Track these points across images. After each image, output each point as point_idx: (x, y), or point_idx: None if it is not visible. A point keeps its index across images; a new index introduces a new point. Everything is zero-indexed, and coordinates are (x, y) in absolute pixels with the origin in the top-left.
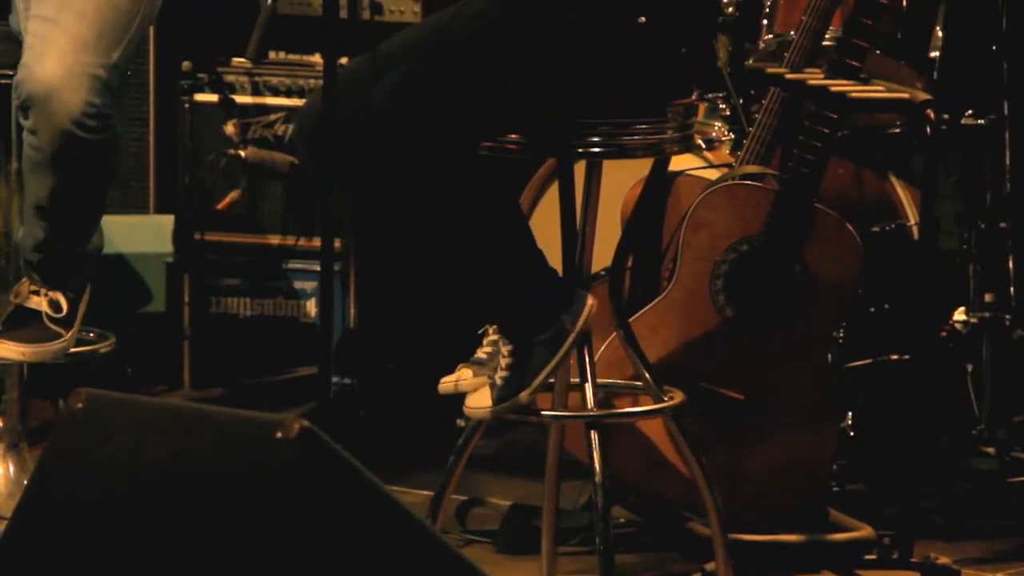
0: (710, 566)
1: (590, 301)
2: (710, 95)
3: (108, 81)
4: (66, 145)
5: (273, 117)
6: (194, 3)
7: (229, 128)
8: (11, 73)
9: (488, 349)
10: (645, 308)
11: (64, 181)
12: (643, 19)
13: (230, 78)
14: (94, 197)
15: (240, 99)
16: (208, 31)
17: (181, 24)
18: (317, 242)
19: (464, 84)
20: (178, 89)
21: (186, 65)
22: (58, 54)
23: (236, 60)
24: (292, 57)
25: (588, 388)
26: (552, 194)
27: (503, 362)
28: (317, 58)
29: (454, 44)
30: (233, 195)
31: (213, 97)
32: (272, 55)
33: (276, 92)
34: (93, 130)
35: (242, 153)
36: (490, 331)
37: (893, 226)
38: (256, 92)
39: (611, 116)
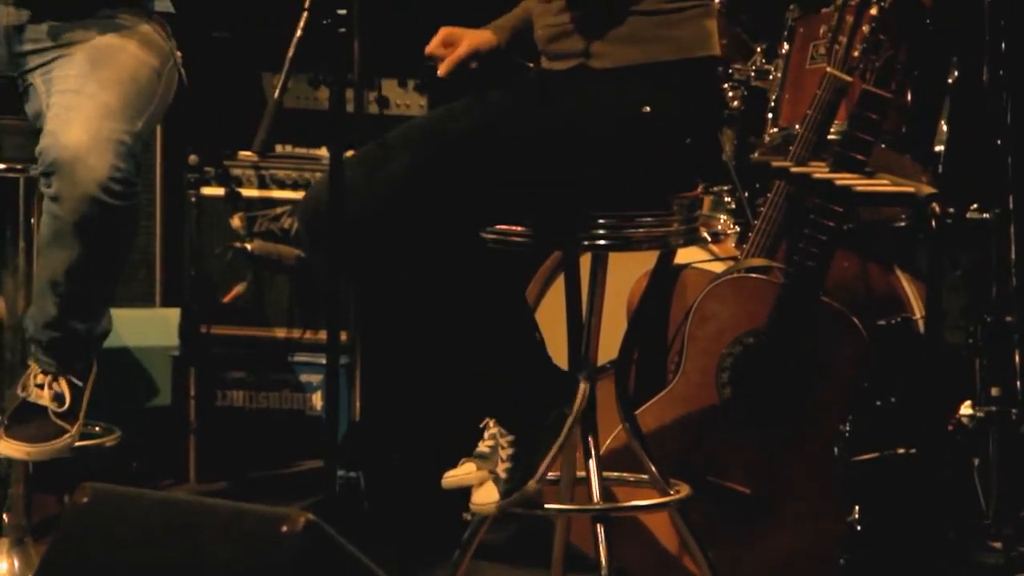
0: None
1: (583, 385)
2: (715, 188)
3: (133, 147)
4: (90, 211)
5: (279, 210)
6: (201, 97)
7: (235, 221)
8: (19, 166)
9: (490, 443)
10: (651, 401)
11: (83, 251)
12: (647, 109)
13: (237, 171)
14: (109, 270)
15: (247, 192)
16: (215, 124)
17: (188, 117)
18: (323, 335)
19: (468, 176)
20: (185, 182)
21: (193, 158)
22: (84, 120)
23: (243, 153)
24: (299, 150)
25: (594, 481)
26: (558, 286)
27: (504, 454)
28: (323, 151)
29: (459, 136)
30: (239, 288)
31: (220, 190)
32: (279, 148)
33: (282, 185)
34: (119, 195)
35: (248, 246)
36: (491, 424)
37: (899, 320)
38: (263, 185)
39: (617, 208)
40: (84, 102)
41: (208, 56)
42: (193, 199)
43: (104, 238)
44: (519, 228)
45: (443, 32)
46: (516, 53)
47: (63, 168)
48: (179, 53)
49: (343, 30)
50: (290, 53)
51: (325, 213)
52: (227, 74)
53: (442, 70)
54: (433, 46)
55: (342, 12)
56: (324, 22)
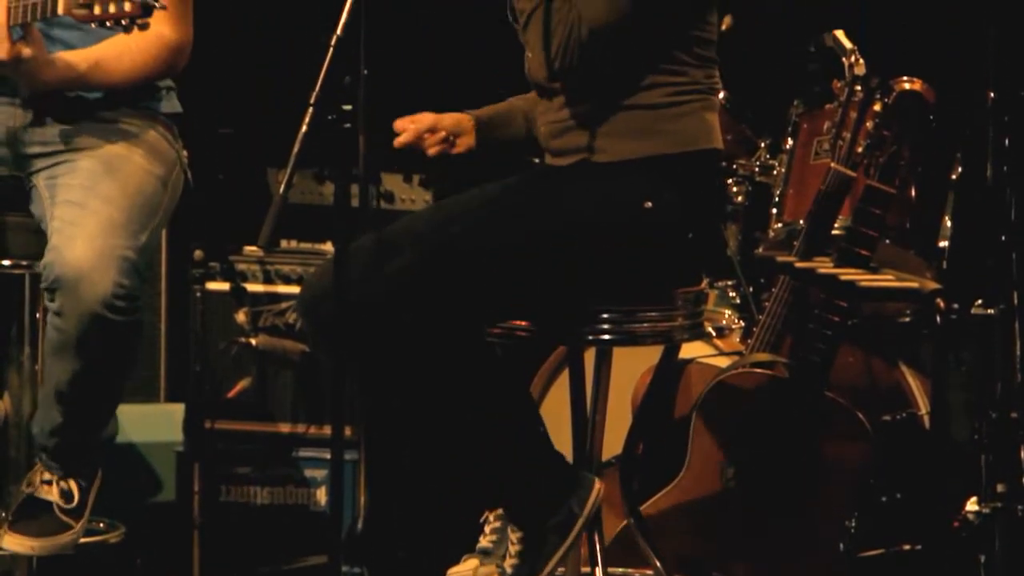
0: None
1: (597, 485)
2: (720, 283)
3: (137, 263)
4: (94, 328)
5: (284, 305)
6: (206, 192)
7: (240, 316)
8: (24, 263)
9: (492, 537)
10: (656, 495)
11: (87, 365)
12: (649, 204)
13: (242, 266)
14: (114, 382)
15: (251, 287)
16: (220, 220)
17: (193, 213)
18: (327, 430)
19: (471, 272)
20: (190, 277)
21: (198, 254)
22: (88, 237)
23: (248, 248)
24: (304, 245)
25: None
26: (563, 381)
27: (513, 549)
28: (328, 246)
29: (462, 232)
30: (243, 383)
31: (224, 285)
32: (284, 243)
33: (287, 280)
34: (122, 312)
35: (253, 341)
36: (491, 518)
37: (904, 415)
38: (267, 280)
39: (621, 303)
40: (88, 217)
41: (213, 152)
42: (198, 294)
43: (108, 353)
44: (523, 323)
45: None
46: (490, 139)
47: (66, 285)
48: (185, 152)
49: (348, 125)
50: (295, 148)
51: (324, 304)
52: (232, 169)
53: (399, 141)
54: (402, 122)
55: (347, 108)
56: (329, 118)
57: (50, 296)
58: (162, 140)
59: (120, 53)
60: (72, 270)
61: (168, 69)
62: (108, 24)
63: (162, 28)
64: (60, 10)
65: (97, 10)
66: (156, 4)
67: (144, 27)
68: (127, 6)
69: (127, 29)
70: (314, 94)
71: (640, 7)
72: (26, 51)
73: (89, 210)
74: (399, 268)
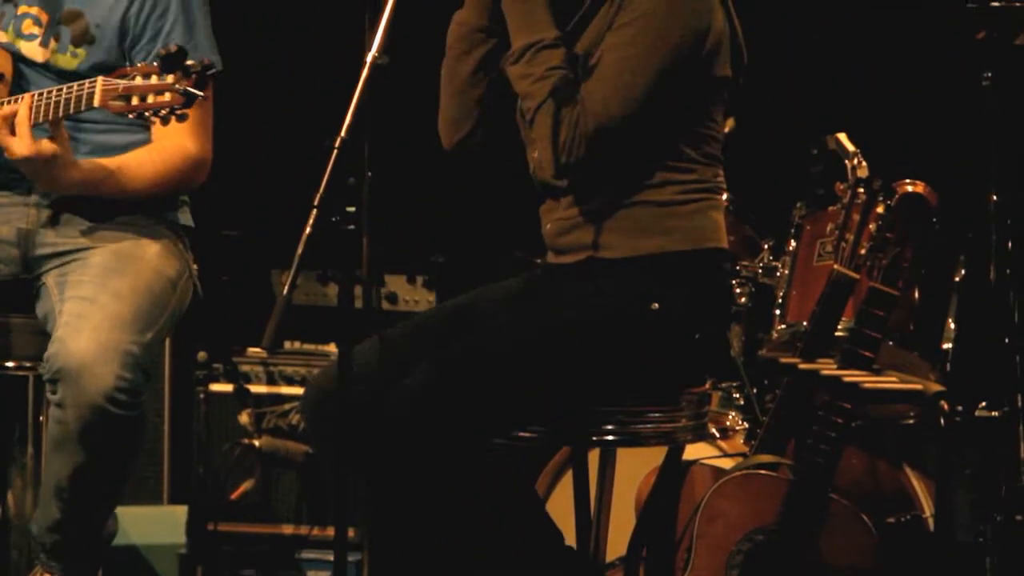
0: None
1: None
2: (724, 384)
3: (141, 359)
4: (95, 420)
5: (288, 407)
6: (210, 293)
7: (244, 418)
8: (28, 364)
9: None
10: None
11: (87, 459)
12: (656, 306)
13: (245, 368)
14: (114, 478)
15: (255, 389)
16: (224, 321)
17: (197, 314)
18: (331, 532)
19: (476, 378)
20: (193, 378)
21: (202, 355)
22: (93, 329)
23: (251, 350)
24: (307, 347)
25: None
26: (568, 480)
27: None
28: (332, 348)
29: (466, 338)
30: (247, 485)
31: (228, 387)
32: (287, 345)
33: (291, 382)
34: (123, 405)
35: (256, 443)
36: None
37: (909, 517)
38: (271, 382)
39: (625, 404)
40: (95, 311)
41: (217, 253)
42: (202, 395)
43: (108, 447)
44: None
45: None
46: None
47: (69, 376)
48: (195, 266)
49: (352, 227)
50: (299, 250)
51: (327, 406)
52: (236, 271)
53: None
54: None
55: (350, 209)
56: (333, 219)
57: (52, 388)
58: (173, 248)
59: (142, 162)
60: (75, 361)
61: (188, 182)
62: (147, 114)
63: (184, 141)
64: (96, 102)
65: (135, 102)
66: (199, 94)
67: (183, 118)
68: (167, 96)
69: (165, 120)
70: (318, 196)
71: (648, 104)
72: (49, 149)
73: (98, 304)
74: (402, 374)
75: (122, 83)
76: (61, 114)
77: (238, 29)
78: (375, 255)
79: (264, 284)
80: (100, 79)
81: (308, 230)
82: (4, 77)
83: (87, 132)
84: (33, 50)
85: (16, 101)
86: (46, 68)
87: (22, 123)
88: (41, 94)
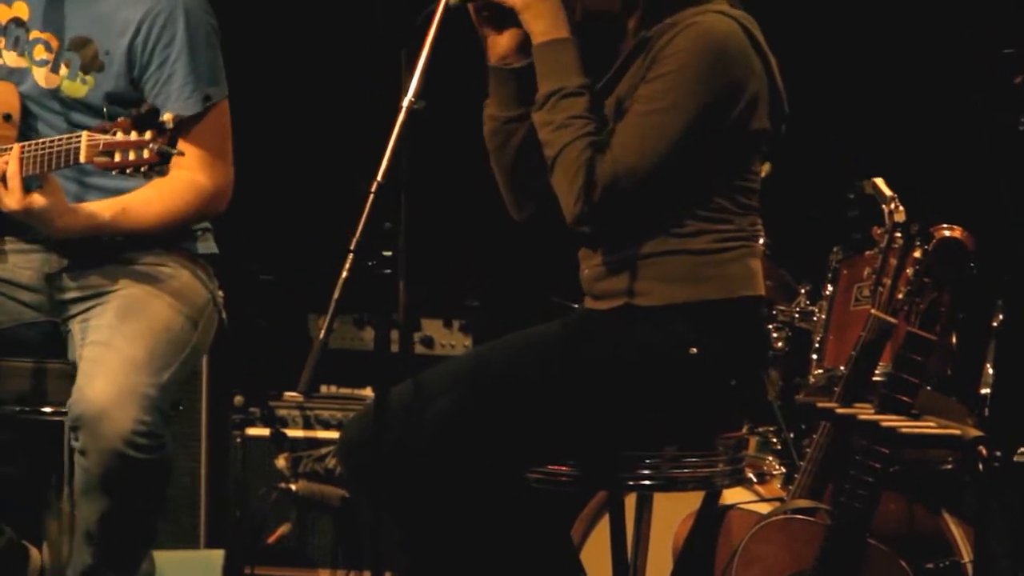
0: None
1: None
2: (761, 428)
3: (158, 400)
4: (116, 465)
5: (324, 451)
6: (247, 338)
7: (280, 462)
8: (63, 410)
9: None
10: None
11: (114, 503)
12: (694, 350)
13: (282, 412)
14: (144, 521)
15: (291, 433)
16: (260, 365)
17: (233, 358)
18: None
19: (511, 417)
20: (230, 423)
21: (238, 399)
22: (109, 374)
23: (288, 394)
24: (343, 391)
25: None
26: (604, 526)
27: None
28: (368, 392)
29: (504, 377)
30: (283, 529)
31: (265, 431)
32: (323, 389)
33: (327, 426)
34: (144, 449)
35: (293, 487)
36: None
37: (947, 563)
38: (307, 426)
39: (662, 448)
40: (111, 355)
41: (254, 298)
42: (238, 440)
43: (133, 491)
44: (564, 468)
45: None
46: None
47: (88, 423)
48: (221, 293)
49: (388, 271)
50: (335, 294)
51: (363, 449)
52: (273, 315)
53: None
54: None
55: (387, 254)
56: (369, 264)
57: (75, 435)
58: (194, 280)
59: (149, 200)
60: (93, 408)
61: (202, 214)
62: (128, 171)
63: (195, 174)
64: (82, 158)
65: (117, 158)
66: (173, 151)
67: (163, 173)
68: (145, 154)
69: (147, 176)
70: (354, 240)
71: (673, 157)
72: (40, 201)
73: (112, 348)
74: (439, 414)
75: (103, 139)
76: (49, 168)
77: (275, 73)
78: (411, 299)
79: (300, 328)
80: (85, 134)
81: (344, 274)
82: (12, 117)
83: (96, 176)
84: (45, 76)
85: (7, 152)
86: (55, 95)
87: (13, 177)
88: (30, 145)
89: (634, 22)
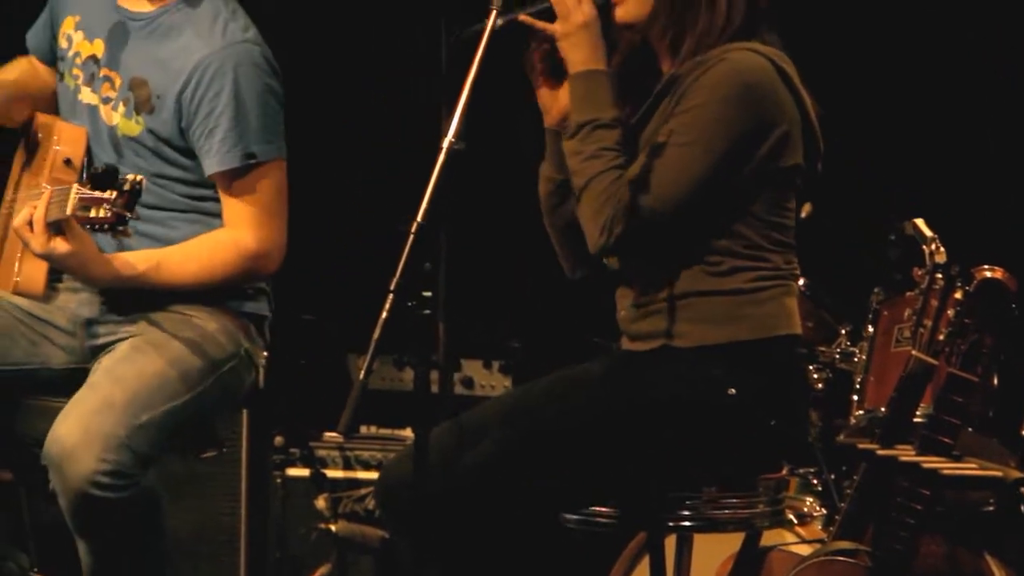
0: None
1: None
2: (801, 470)
3: (128, 440)
4: (84, 506)
5: (364, 491)
6: (286, 378)
7: (320, 502)
8: None
9: None
10: None
11: (93, 544)
12: (733, 391)
13: (322, 452)
14: (137, 562)
15: (331, 473)
16: (300, 405)
17: (273, 399)
18: None
19: (551, 459)
20: (270, 464)
21: (278, 440)
22: (79, 415)
23: (328, 434)
24: (383, 431)
25: None
26: (644, 567)
27: None
28: (408, 433)
29: (543, 419)
30: (323, 570)
31: (305, 471)
32: (364, 429)
33: (367, 466)
34: (110, 488)
35: (333, 527)
36: None
37: None
38: (347, 466)
39: (701, 489)
40: (90, 395)
41: (294, 338)
42: (278, 480)
43: (109, 533)
44: (603, 509)
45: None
46: None
47: (54, 463)
48: (264, 354)
49: (428, 312)
50: (375, 335)
51: (403, 491)
52: (313, 355)
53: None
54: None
55: (427, 294)
56: (409, 304)
57: (49, 477)
58: (222, 334)
59: (187, 257)
60: (58, 447)
61: (245, 275)
62: (96, 228)
63: (240, 234)
64: (68, 211)
65: (92, 213)
66: (128, 215)
67: (125, 234)
68: (103, 212)
69: (113, 234)
70: (394, 280)
71: (698, 192)
72: (62, 247)
73: (94, 389)
74: (479, 456)
75: (85, 191)
76: (57, 216)
77: (316, 112)
78: (451, 340)
79: (340, 369)
80: (75, 186)
81: (384, 315)
82: (72, 162)
83: (143, 223)
84: (109, 114)
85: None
86: (113, 133)
87: (38, 221)
88: (54, 192)
89: (666, 61)
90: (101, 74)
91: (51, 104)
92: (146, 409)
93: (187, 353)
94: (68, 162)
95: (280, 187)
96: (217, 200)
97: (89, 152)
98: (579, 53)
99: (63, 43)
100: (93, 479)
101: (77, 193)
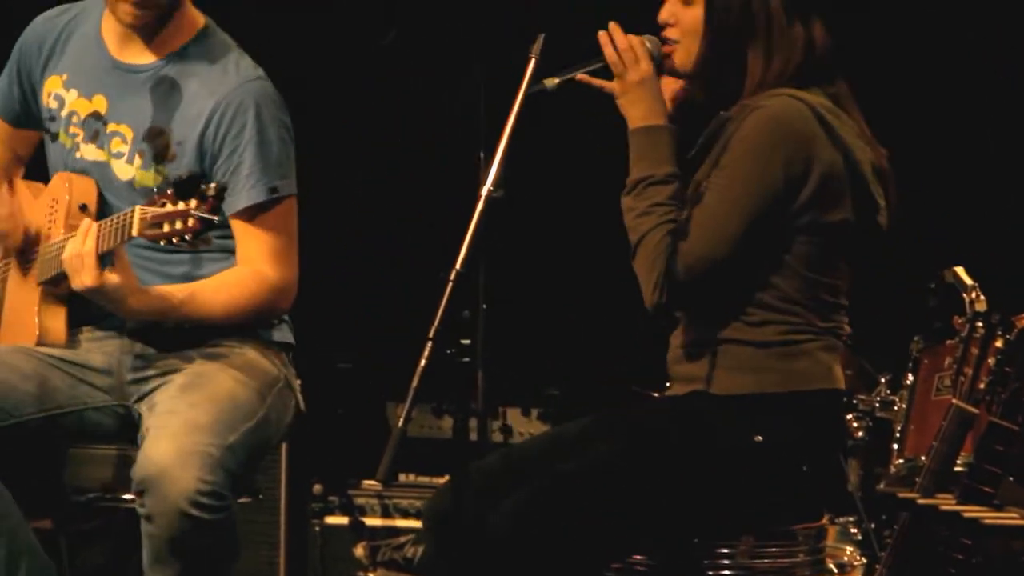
0: None
1: None
2: (841, 519)
3: (223, 460)
4: (182, 527)
5: (403, 539)
6: (325, 426)
7: (359, 551)
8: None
9: None
10: None
11: (182, 570)
12: (759, 438)
13: (360, 500)
14: None
15: (370, 521)
16: (339, 453)
17: (312, 447)
18: None
19: (587, 507)
20: (309, 512)
21: (317, 488)
22: (171, 436)
23: (366, 482)
24: (422, 479)
25: None
26: None
27: None
28: (446, 480)
29: (579, 468)
30: None
31: (343, 519)
32: (402, 477)
33: (406, 514)
34: (208, 509)
35: None
36: None
37: None
38: (386, 514)
39: (740, 538)
40: (172, 420)
41: (332, 386)
42: (317, 528)
43: (200, 555)
44: (639, 557)
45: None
46: None
47: (151, 485)
48: (298, 381)
49: (466, 360)
50: (414, 383)
51: (446, 528)
52: (351, 403)
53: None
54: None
55: (465, 342)
56: (447, 352)
57: (140, 502)
58: (264, 359)
59: (216, 289)
60: (156, 468)
61: (268, 308)
62: (174, 241)
63: (263, 267)
64: (134, 231)
65: (166, 228)
66: (215, 218)
67: (207, 242)
68: (189, 222)
69: (193, 247)
70: (433, 328)
71: (739, 244)
72: (113, 278)
73: (175, 414)
74: (515, 504)
75: (151, 211)
76: (111, 245)
77: (357, 161)
78: (490, 388)
79: (379, 416)
80: (137, 208)
81: (423, 363)
82: (88, 208)
83: (167, 265)
84: (121, 168)
85: (75, 233)
86: (131, 186)
87: (89, 255)
88: (102, 224)
89: (717, 107)
90: (108, 130)
91: (18, 166)
92: (230, 430)
93: (242, 378)
94: (84, 207)
95: (293, 223)
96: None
97: (101, 199)
98: (637, 109)
99: (51, 103)
100: (193, 498)
101: (141, 214)
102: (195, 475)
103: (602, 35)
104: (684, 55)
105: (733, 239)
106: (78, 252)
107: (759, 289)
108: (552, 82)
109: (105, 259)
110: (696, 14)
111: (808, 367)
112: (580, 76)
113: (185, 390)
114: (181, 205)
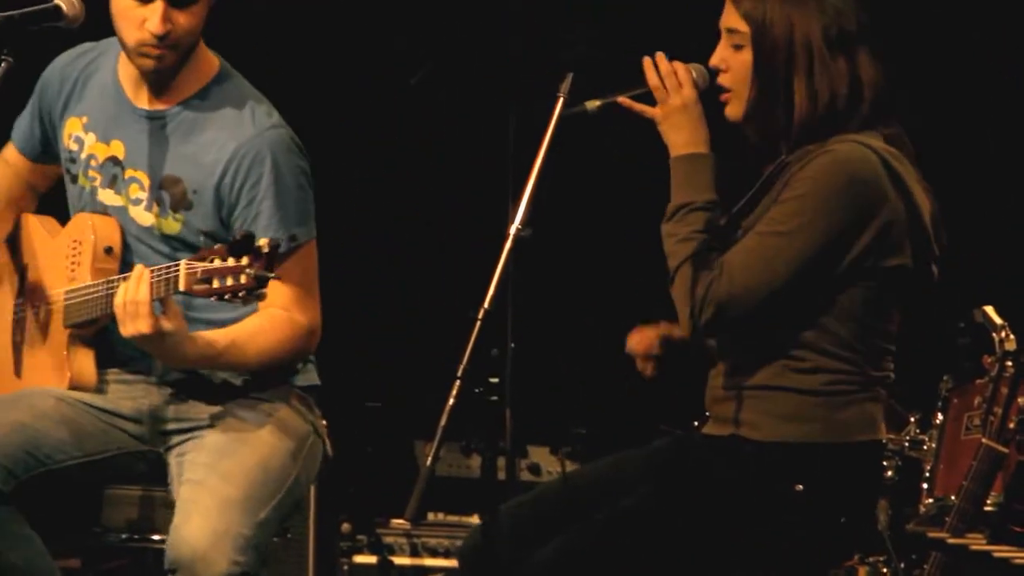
0: None
1: None
2: (871, 558)
3: (254, 540)
4: None
5: None
6: (353, 465)
7: None
8: (165, 537)
9: None
10: None
11: None
12: (800, 487)
13: (389, 539)
14: None
15: (399, 560)
16: (367, 492)
17: (340, 485)
18: None
19: (626, 555)
20: (337, 551)
21: (345, 527)
22: (203, 515)
23: (395, 521)
24: (451, 518)
25: None
26: None
27: None
28: (475, 519)
29: (617, 514)
30: None
31: (372, 558)
32: (431, 516)
33: (435, 553)
34: None
35: None
36: None
37: None
38: (415, 553)
39: None
40: (205, 496)
41: (360, 425)
42: (345, 567)
43: None
44: None
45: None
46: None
47: (184, 565)
48: (324, 422)
49: (495, 398)
50: (442, 421)
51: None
52: (379, 442)
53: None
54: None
55: (494, 380)
56: (476, 390)
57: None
58: (294, 414)
59: (253, 334)
60: (188, 549)
61: (299, 352)
62: (226, 298)
63: (293, 312)
64: (181, 286)
65: (216, 284)
66: (271, 276)
67: (261, 298)
68: (243, 279)
69: (245, 302)
70: (461, 367)
71: (789, 283)
72: (167, 325)
73: (207, 488)
74: (558, 548)
75: (201, 266)
76: (161, 294)
77: (383, 199)
78: (518, 426)
79: (407, 455)
80: (183, 263)
81: (451, 401)
82: (113, 250)
83: (202, 310)
84: (141, 214)
85: (118, 280)
86: (152, 232)
87: (143, 303)
88: (152, 271)
89: (781, 148)
90: (126, 176)
91: (32, 200)
92: (262, 505)
93: (275, 440)
94: (109, 250)
95: (314, 266)
96: None
97: (123, 242)
98: (679, 136)
99: (71, 145)
100: None
101: (188, 268)
102: (228, 557)
103: (646, 60)
104: (738, 104)
105: (782, 276)
106: (133, 299)
107: (811, 332)
108: (593, 104)
109: (155, 307)
110: (746, 59)
111: (853, 418)
112: (622, 99)
113: (217, 455)
114: (231, 261)
